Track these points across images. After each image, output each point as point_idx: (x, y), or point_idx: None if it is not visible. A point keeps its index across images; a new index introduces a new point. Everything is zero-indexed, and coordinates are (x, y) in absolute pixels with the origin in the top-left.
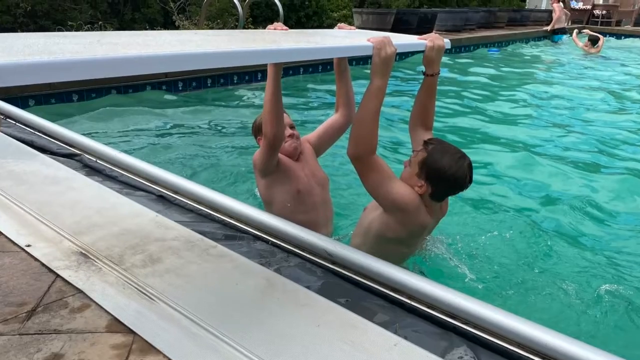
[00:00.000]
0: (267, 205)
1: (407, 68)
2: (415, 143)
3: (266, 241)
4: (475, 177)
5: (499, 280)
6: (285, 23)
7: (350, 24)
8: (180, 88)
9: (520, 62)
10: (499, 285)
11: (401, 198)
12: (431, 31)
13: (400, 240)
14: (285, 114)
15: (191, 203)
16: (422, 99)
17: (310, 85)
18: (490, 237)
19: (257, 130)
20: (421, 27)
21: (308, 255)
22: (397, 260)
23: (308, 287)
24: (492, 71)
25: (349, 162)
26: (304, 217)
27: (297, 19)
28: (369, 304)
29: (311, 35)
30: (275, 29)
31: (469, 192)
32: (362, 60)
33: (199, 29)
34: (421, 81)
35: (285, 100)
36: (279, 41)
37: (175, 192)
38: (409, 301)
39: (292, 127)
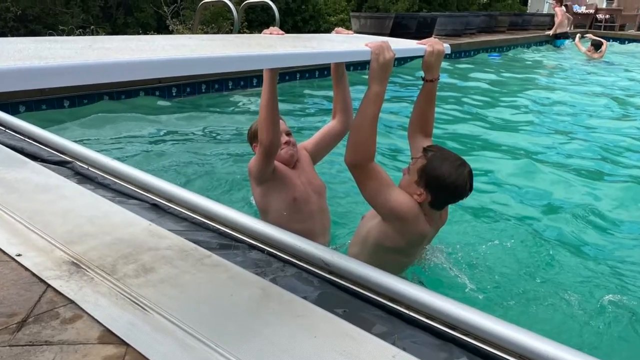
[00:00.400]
0: (262, 214)
1: (406, 73)
2: (414, 150)
3: (262, 250)
4: (475, 184)
5: (500, 291)
6: (281, 27)
7: (348, 28)
8: (174, 94)
9: (521, 68)
10: (499, 296)
11: (400, 206)
12: (430, 36)
13: (399, 249)
14: (281, 121)
15: (185, 211)
16: (421, 105)
17: (306, 91)
18: (491, 246)
19: (252, 137)
20: (420, 32)
21: (304, 265)
22: (396, 270)
23: (305, 298)
24: (492, 77)
25: (347, 170)
26: (301, 226)
27: (294, 23)
28: (367, 314)
29: (308, 40)
30: (271, 34)
31: (469, 201)
32: (360, 66)
33: (193, 33)
34: (420, 87)
35: (281, 106)
36: (275, 46)
37: (169, 201)
38: (407, 312)
39: (288, 134)
